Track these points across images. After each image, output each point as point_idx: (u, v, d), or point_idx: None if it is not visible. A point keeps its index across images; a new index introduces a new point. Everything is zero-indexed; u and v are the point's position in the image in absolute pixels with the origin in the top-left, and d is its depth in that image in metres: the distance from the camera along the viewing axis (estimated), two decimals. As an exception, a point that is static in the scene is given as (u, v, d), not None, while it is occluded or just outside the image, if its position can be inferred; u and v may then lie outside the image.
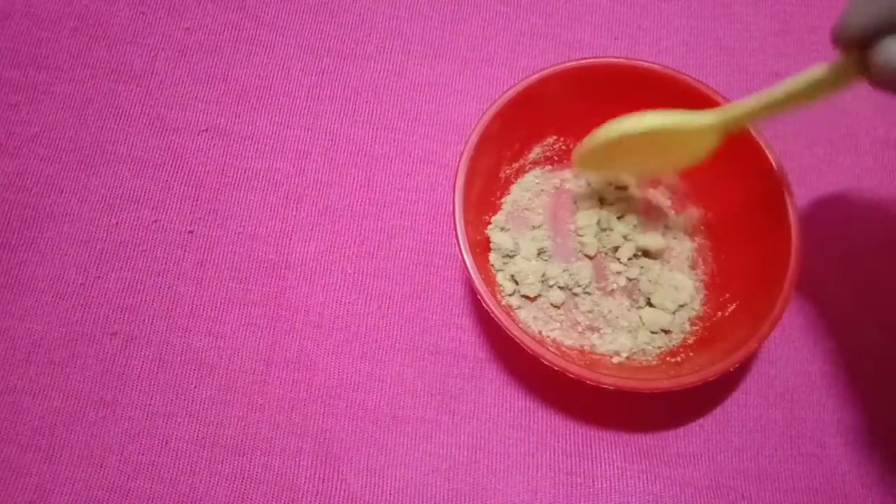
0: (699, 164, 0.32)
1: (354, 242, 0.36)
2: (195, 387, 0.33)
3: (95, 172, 0.37)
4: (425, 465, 0.32)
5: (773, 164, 0.31)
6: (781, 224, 0.30)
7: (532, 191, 0.36)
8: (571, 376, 0.28)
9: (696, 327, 0.33)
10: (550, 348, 0.29)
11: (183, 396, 0.33)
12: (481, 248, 0.33)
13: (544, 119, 0.35)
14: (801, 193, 0.37)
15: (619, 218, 0.35)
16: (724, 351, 0.29)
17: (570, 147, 0.36)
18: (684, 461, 0.32)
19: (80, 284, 0.34)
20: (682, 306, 0.33)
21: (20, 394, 0.33)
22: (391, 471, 0.32)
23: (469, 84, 0.39)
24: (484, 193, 0.34)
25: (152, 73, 0.39)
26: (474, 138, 0.31)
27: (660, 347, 0.33)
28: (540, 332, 0.33)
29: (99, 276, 0.35)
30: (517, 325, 0.29)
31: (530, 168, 0.36)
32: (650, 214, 0.36)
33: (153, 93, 0.38)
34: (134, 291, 0.34)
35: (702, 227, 0.36)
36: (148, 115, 0.38)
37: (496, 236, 0.34)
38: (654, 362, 0.32)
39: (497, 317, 0.29)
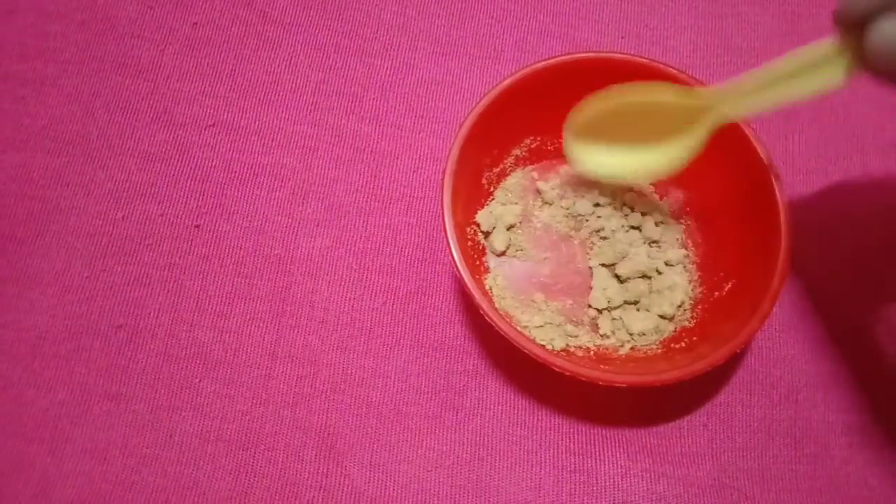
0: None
1: (360, 238, 0.36)
2: (200, 381, 0.33)
3: (102, 166, 0.37)
4: (428, 462, 0.32)
5: (760, 151, 0.31)
6: (770, 202, 0.30)
7: (515, 192, 0.36)
8: (583, 379, 0.28)
9: (696, 310, 0.33)
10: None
11: (188, 390, 0.33)
12: (476, 254, 0.34)
13: (520, 122, 0.35)
14: (796, 180, 0.37)
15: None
16: (728, 332, 0.29)
17: (548, 146, 0.36)
18: (688, 460, 0.32)
19: (86, 278, 0.35)
20: (679, 307, 0.33)
21: (24, 387, 0.33)
22: (394, 466, 0.32)
23: (476, 82, 0.39)
24: (469, 203, 0.34)
25: (159, 68, 0.39)
26: (455, 152, 0.31)
27: (662, 335, 0.33)
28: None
29: (104, 270, 0.35)
30: (523, 335, 0.29)
31: (511, 171, 0.36)
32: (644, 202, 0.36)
33: (160, 87, 0.38)
34: (140, 285, 0.34)
35: (688, 209, 0.35)
36: (155, 109, 0.38)
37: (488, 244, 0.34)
38: (659, 350, 0.32)
39: (507, 333, 0.29)
